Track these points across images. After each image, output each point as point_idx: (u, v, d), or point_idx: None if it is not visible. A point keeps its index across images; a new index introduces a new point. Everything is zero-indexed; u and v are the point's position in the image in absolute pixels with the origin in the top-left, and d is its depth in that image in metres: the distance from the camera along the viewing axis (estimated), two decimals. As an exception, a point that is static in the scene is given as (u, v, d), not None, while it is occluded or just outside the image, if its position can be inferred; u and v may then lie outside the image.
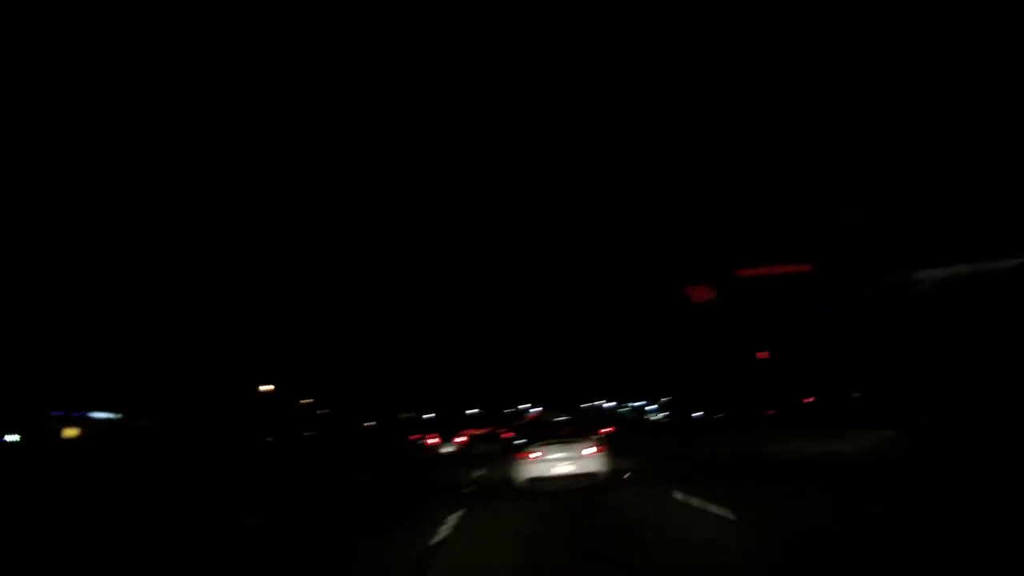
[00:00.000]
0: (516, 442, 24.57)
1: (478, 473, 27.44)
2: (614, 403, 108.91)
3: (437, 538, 11.90)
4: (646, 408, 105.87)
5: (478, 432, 59.80)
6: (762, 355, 45.67)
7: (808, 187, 28.38)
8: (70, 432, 30.18)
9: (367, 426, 72.76)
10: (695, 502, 13.88)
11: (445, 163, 38.55)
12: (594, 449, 18.78)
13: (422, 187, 40.04)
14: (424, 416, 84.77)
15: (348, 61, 28.56)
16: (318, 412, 54.58)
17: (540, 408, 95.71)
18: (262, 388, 44.37)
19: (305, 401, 53.91)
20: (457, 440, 53.36)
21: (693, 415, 72.16)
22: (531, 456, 18.85)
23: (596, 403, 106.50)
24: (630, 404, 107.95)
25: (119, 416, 37.37)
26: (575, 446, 18.84)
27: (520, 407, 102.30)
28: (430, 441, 53.09)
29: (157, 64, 24.97)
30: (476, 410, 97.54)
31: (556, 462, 18.58)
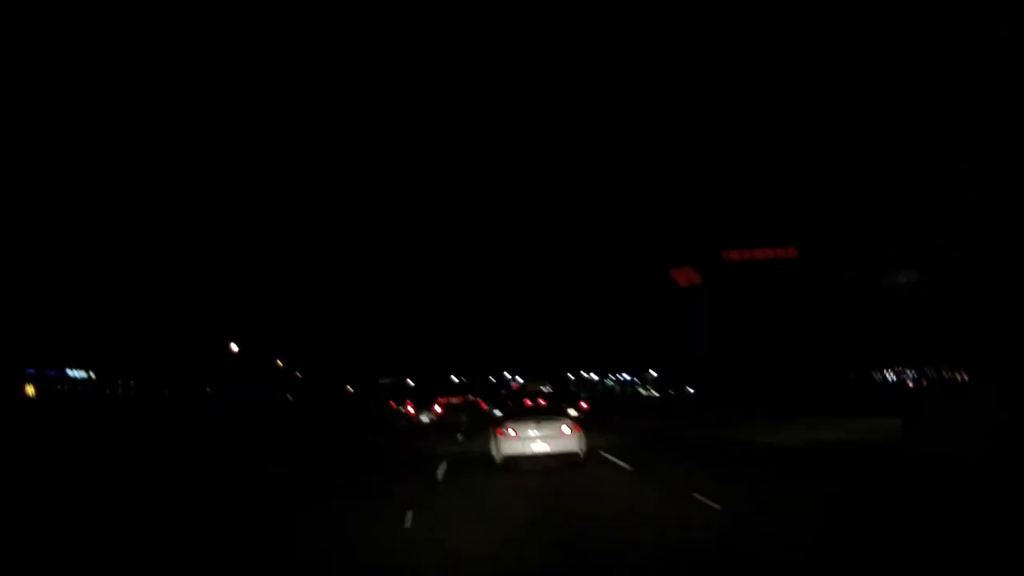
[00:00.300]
0: (495, 413, 24.74)
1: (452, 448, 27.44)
2: (598, 378, 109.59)
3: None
4: (635, 382, 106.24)
5: (456, 401, 60.25)
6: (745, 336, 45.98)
7: (798, 172, 28.45)
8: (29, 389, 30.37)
9: (349, 391, 73.33)
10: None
11: (445, 164, 38.49)
12: (570, 429, 18.84)
13: (422, 187, 39.98)
14: (402, 381, 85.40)
15: (348, 61, 28.47)
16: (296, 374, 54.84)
17: (522, 381, 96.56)
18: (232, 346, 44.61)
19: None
20: (435, 409, 53.96)
21: (686, 392, 72.40)
22: (507, 433, 18.87)
23: (583, 375, 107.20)
24: (619, 377, 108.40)
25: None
26: (551, 424, 18.92)
27: (506, 375, 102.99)
28: (409, 410, 53.70)
29: (157, 64, 24.83)
30: (462, 378, 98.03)
31: (532, 440, 18.62)
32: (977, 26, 20.34)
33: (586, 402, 54.44)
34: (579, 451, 18.74)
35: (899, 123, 23.93)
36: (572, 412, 21.87)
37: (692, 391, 70.09)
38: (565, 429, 18.79)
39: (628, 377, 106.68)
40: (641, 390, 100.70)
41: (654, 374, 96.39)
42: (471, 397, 62.76)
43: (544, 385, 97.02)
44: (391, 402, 59.02)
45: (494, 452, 19.13)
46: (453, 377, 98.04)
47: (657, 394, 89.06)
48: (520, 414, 19.93)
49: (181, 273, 31.08)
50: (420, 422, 51.24)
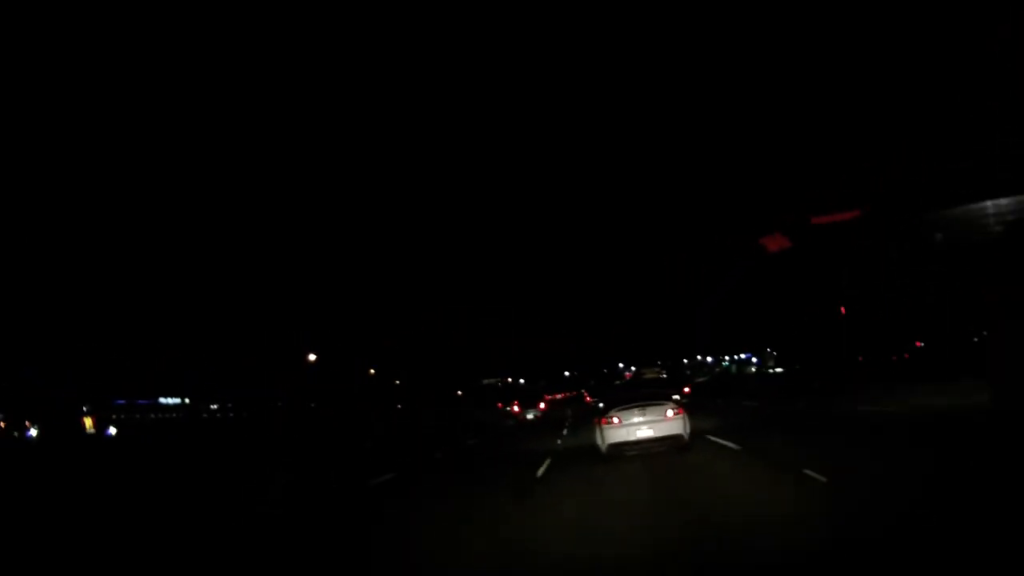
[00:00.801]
0: (599, 406, 25.38)
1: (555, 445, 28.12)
2: (711, 358, 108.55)
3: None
4: (752, 360, 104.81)
5: (560, 397, 61.30)
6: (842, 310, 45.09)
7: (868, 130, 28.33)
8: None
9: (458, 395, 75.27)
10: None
11: (445, 164, 39.46)
12: (673, 412, 19.36)
13: (422, 188, 41.09)
14: (515, 381, 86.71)
15: (349, 63, 29.54)
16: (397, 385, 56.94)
17: (633, 368, 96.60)
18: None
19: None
20: (540, 406, 55.15)
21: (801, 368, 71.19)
22: (611, 422, 19.51)
23: (697, 358, 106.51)
24: (732, 357, 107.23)
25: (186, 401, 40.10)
26: (655, 409, 19.41)
27: (619, 366, 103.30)
28: (515, 409, 55.05)
29: (158, 66, 26.29)
30: (574, 372, 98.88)
31: (636, 426, 19.18)
32: (977, 26, 20.64)
33: (690, 386, 54.39)
34: (683, 434, 19.19)
35: (899, 123, 23.84)
36: (675, 396, 22.25)
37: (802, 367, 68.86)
38: (668, 413, 19.30)
39: (747, 356, 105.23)
40: (753, 369, 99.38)
41: (773, 352, 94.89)
42: (575, 393, 63.55)
43: (658, 370, 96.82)
44: (499, 404, 60.43)
45: (599, 442, 19.70)
46: (566, 372, 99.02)
47: (780, 370, 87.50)
48: (622, 402, 20.37)
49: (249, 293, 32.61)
50: (526, 420, 52.35)
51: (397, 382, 59.87)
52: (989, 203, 28.03)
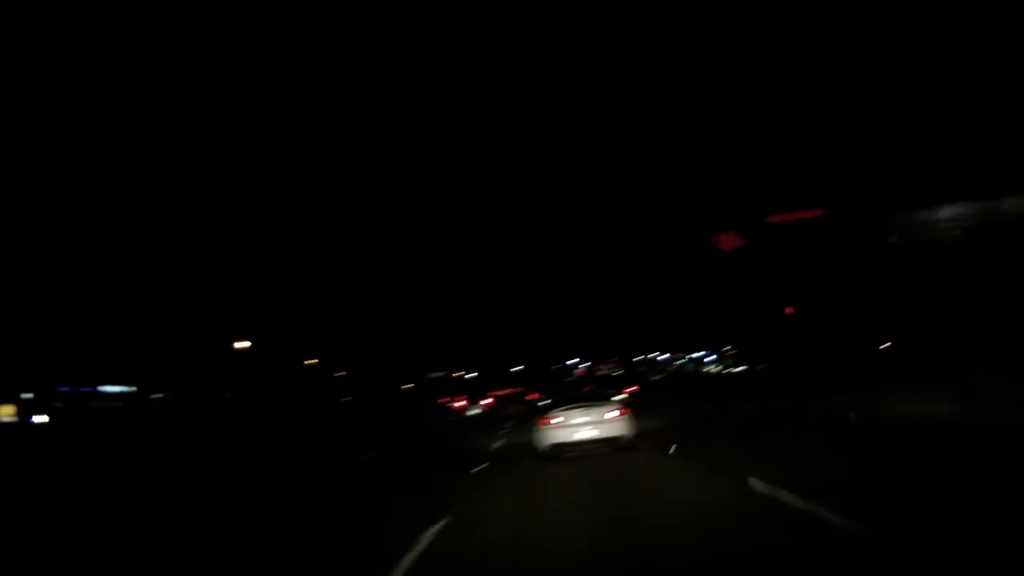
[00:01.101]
0: (539, 404, 24.97)
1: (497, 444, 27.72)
2: (667, 355, 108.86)
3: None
4: (706, 360, 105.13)
5: (503, 393, 61.56)
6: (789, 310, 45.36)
7: (829, 132, 28.49)
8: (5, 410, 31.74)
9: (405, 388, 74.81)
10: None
11: (445, 164, 39.36)
12: (617, 412, 18.90)
13: (422, 188, 41.02)
14: (460, 375, 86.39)
15: (348, 62, 29.17)
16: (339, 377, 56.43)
17: (588, 363, 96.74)
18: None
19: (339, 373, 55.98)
20: (483, 403, 55.44)
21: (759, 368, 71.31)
22: (552, 421, 19.01)
23: (651, 355, 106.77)
24: (688, 356, 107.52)
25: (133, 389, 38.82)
26: (598, 409, 18.98)
27: (568, 363, 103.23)
28: (457, 404, 55.19)
29: (158, 65, 25.73)
30: (521, 367, 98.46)
31: (578, 427, 18.71)
32: (977, 26, 20.72)
33: (639, 385, 54.79)
34: (627, 435, 18.76)
35: (899, 123, 23.93)
36: (620, 396, 21.88)
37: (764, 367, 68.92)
38: (612, 414, 18.88)
39: (706, 354, 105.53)
40: (712, 368, 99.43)
41: (732, 349, 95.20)
42: (518, 389, 63.90)
43: (612, 367, 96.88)
44: (442, 398, 60.37)
45: (539, 441, 19.21)
46: (515, 368, 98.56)
47: (739, 370, 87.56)
48: (565, 402, 19.98)
49: (198, 281, 32.01)
50: (469, 415, 52.85)
51: (341, 374, 58.86)
52: (946, 208, 28.47)
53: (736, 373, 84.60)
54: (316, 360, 52.36)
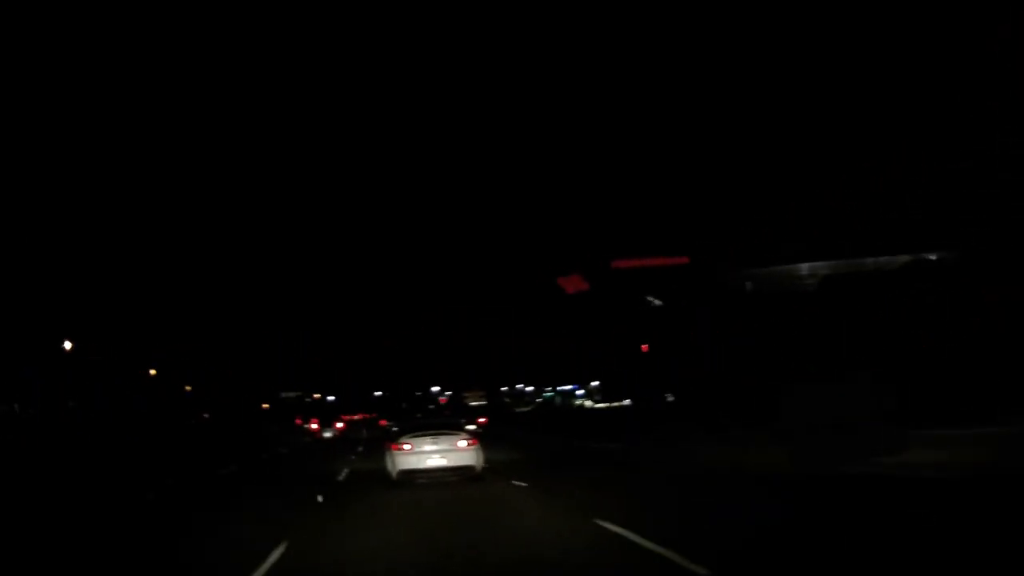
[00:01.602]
0: (392, 430, 25.32)
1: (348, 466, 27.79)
2: (532, 388, 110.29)
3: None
4: (576, 393, 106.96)
5: (357, 418, 61.87)
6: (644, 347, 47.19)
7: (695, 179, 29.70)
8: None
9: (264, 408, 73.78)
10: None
11: (445, 163, 39.51)
12: (466, 443, 19.47)
13: (422, 188, 41.08)
14: (318, 397, 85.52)
15: (347, 62, 29.21)
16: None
17: (450, 392, 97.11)
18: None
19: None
20: (337, 426, 56.07)
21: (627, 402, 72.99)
22: (403, 448, 19.42)
23: (517, 387, 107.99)
24: (555, 389, 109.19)
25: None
26: (448, 438, 19.46)
27: (433, 389, 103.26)
28: (312, 427, 55.63)
29: (159, 66, 25.22)
30: (380, 393, 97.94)
31: (428, 455, 19.18)
32: (977, 26, 21.19)
33: (487, 417, 56.36)
34: (475, 465, 19.39)
35: (899, 123, 24.95)
36: (470, 427, 22.57)
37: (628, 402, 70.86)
38: (461, 443, 19.46)
39: (573, 388, 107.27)
40: (585, 402, 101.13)
41: (596, 384, 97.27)
42: (372, 415, 64.61)
43: (479, 395, 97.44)
44: (297, 419, 60.22)
45: (390, 467, 19.54)
46: (376, 392, 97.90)
47: (600, 405, 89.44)
48: (416, 429, 20.43)
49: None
50: (323, 437, 53.76)
51: (188, 388, 57.54)
52: (805, 265, 30.12)
53: (600, 408, 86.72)
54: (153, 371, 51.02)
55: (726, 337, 33.96)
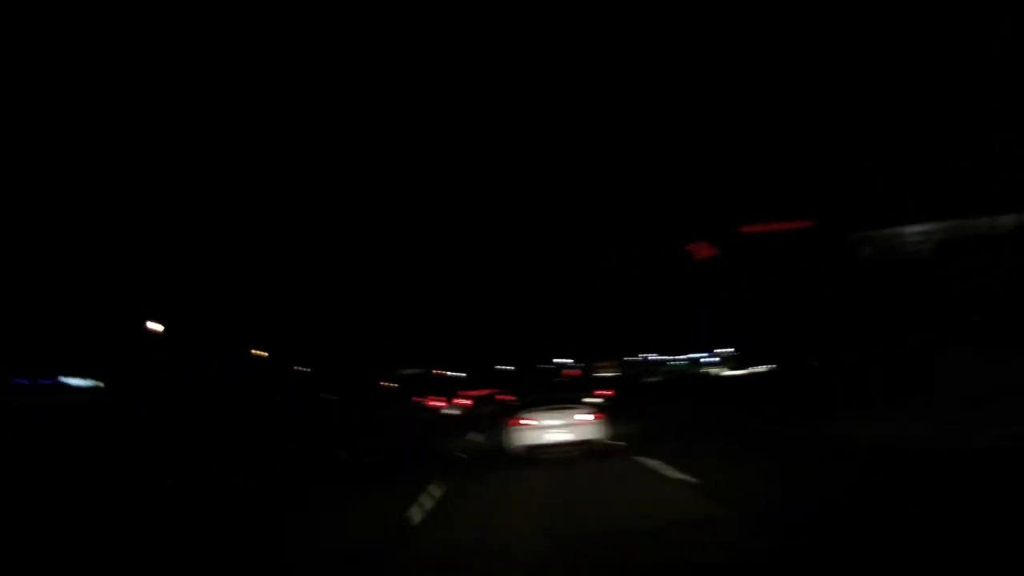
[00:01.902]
0: (510, 405, 24.94)
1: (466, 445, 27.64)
2: (662, 357, 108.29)
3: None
4: (702, 361, 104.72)
5: (481, 394, 62.05)
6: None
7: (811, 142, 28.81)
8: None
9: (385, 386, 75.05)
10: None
11: (444, 164, 39.43)
12: (591, 416, 18.75)
13: (421, 188, 41.19)
14: (441, 373, 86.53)
15: (347, 61, 29.33)
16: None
17: (583, 364, 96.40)
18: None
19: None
20: (464, 402, 56.17)
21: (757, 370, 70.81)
22: (523, 423, 18.93)
23: (643, 356, 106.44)
24: (683, 357, 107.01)
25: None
26: (570, 412, 18.85)
27: (556, 361, 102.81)
28: (432, 403, 55.91)
29: (157, 64, 25.85)
30: (509, 367, 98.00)
31: (550, 429, 18.61)
32: (977, 26, 21.06)
33: (613, 389, 55.57)
34: (600, 439, 18.68)
35: (899, 123, 24.19)
36: (595, 400, 21.84)
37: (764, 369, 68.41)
38: (585, 417, 18.75)
39: (697, 355, 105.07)
40: (719, 371, 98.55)
41: (731, 351, 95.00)
42: (495, 390, 64.76)
43: (608, 369, 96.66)
44: (414, 397, 60.82)
45: (509, 443, 19.16)
46: (498, 367, 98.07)
47: (734, 373, 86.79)
48: (537, 404, 19.85)
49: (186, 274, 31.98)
50: (443, 415, 54.21)
51: (297, 368, 58.61)
52: (917, 227, 28.93)
53: (735, 376, 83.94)
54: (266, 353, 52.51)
55: (865, 302, 32.66)
